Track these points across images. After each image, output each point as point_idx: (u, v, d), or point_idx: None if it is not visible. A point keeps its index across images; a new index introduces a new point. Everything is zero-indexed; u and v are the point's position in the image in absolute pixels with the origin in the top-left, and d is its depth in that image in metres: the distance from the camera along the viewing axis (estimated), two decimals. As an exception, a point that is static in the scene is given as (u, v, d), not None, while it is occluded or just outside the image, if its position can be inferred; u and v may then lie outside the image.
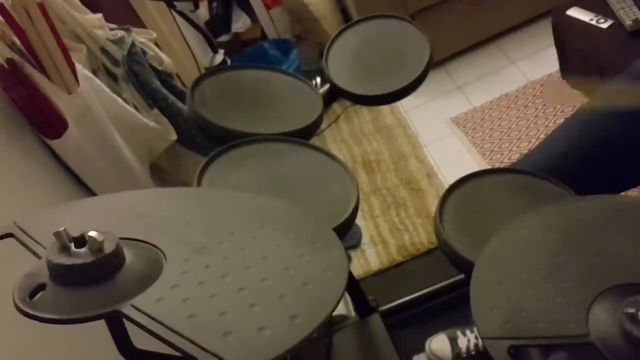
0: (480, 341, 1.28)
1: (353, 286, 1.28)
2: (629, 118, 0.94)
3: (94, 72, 1.29)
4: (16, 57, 1.02)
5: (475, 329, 1.31)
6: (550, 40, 1.79)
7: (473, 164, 1.85)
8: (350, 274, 1.28)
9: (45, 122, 1.06)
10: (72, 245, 0.41)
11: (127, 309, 0.38)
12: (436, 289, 1.44)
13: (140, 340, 0.56)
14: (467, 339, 1.29)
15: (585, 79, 1.65)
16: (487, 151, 1.87)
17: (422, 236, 1.69)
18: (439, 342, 1.32)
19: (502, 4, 2.14)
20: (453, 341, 1.30)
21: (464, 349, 1.28)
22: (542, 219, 0.62)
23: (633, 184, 1.02)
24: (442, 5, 2.09)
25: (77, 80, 1.11)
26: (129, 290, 0.40)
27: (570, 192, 0.82)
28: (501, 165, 1.76)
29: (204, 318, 0.38)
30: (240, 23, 2.44)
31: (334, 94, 1.06)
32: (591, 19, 1.56)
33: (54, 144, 1.08)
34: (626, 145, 0.94)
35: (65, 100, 1.08)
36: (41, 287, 0.40)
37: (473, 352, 1.27)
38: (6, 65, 1.00)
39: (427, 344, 1.33)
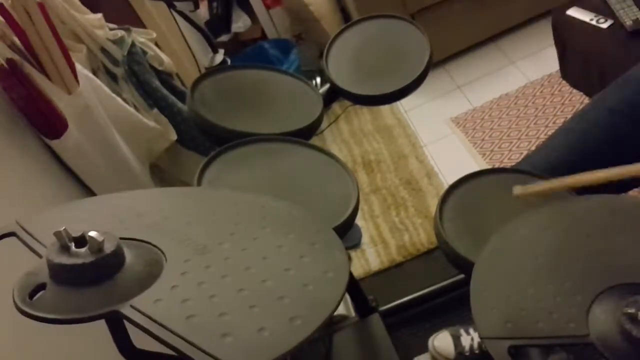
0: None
1: (353, 286, 1.28)
2: (629, 119, 0.94)
3: (94, 72, 1.29)
4: (16, 57, 1.02)
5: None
6: (550, 40, 1.79)
7: (473, 164, 1.85)
8: (350, 274, 1.28)
9: (45, 122, 1.06)
10: (73, 245, 0.41)
11: (126, 310, 0.38)
12: (436, 289, 1.44)
13: (141, 340, 0.56)
14: (470, 338, 1.29)
15: (585, 79, 1.65)
16: (487, 151, 1.87)
17: (422, 236, 1.69)
18: (442, 340, 1.32)
19: (502, 4, 2.14)
20: (456, 339, 1.30)
21: (467, 348, 1.28)
22: (542, 219, 0.62)
23: (635, 185, 1.02)
24: (442, 5, 2.09)
25: (77, 80, 1.11)
26: (129, 290, 0.40)
27: (570, 192, 0.82)
28: (501, 165, 1.76)
29: (203, 319, 0.38)
30: (240, 23, 2.44)
31: (334, 94, 1.06)
32: (591, 19, 1.56)
33: (54, 144, 1.08)
34: (627, 146, 0.94)
35: (65, 100, 1.08)
36: (41, 286, 0.40)
37: (477, 351, 1.27)
38: (6, 65, 1.00)
39: (430, 341, 1.33)
